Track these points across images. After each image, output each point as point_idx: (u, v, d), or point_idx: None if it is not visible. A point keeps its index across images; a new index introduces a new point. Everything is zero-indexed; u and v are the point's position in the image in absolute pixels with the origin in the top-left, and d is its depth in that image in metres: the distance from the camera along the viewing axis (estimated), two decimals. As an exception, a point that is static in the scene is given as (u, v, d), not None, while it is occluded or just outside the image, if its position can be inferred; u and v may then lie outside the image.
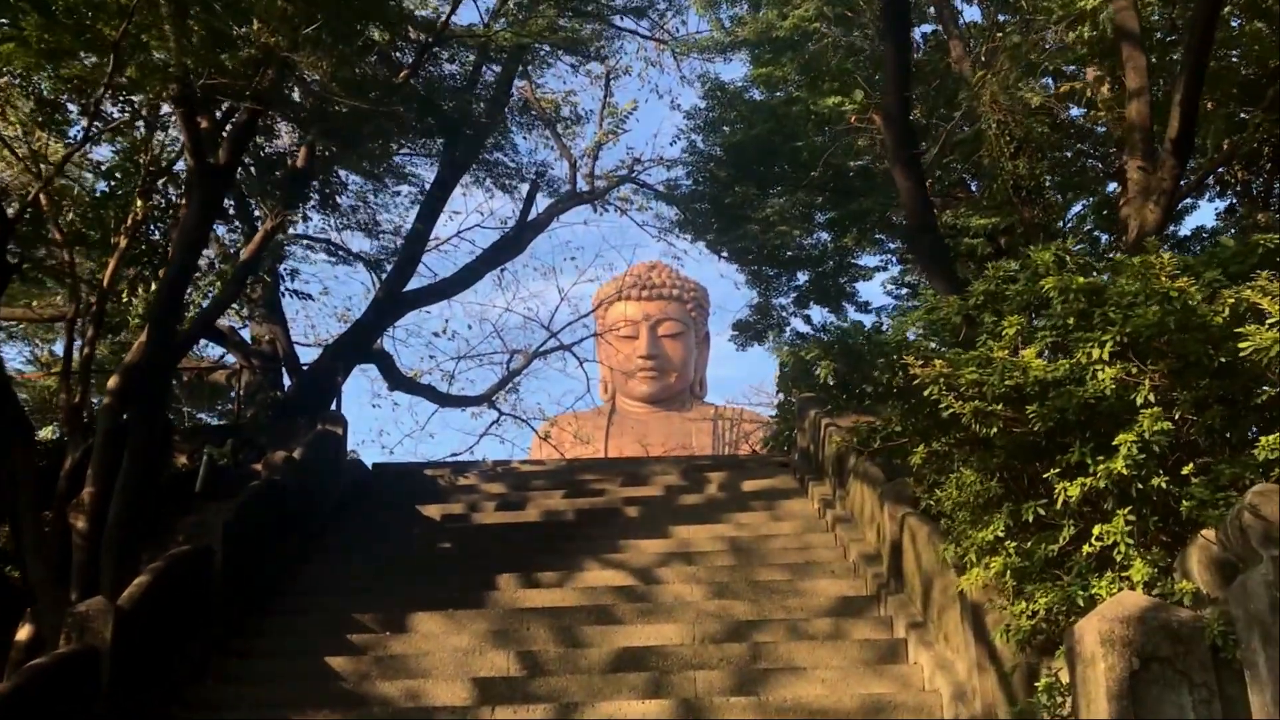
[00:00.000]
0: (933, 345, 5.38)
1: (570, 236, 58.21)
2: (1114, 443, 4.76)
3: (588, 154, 19.49)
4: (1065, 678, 4.79)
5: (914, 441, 7.49)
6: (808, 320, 17.93)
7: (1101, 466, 4.70)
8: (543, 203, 18.61)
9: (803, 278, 17.97)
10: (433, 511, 12.05)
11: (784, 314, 17.91)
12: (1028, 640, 5.29)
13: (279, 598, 9.25)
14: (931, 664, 7.04)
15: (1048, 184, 9.87)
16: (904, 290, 17.05)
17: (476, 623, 8.45)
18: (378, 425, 34.46)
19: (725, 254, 18.45)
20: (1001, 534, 5.56)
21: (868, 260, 18.61)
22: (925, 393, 5.48)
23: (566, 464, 14.98)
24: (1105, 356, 4.94)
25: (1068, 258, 5.45)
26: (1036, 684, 5.39)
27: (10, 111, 10.76)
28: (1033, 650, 5.35)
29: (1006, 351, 5.03)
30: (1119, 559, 4.80)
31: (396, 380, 18.49)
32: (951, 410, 5.33)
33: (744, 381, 66.93)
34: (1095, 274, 5.86)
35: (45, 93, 10.50)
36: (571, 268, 47.13)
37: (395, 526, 11.61)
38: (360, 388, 55.35)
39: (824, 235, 18.27)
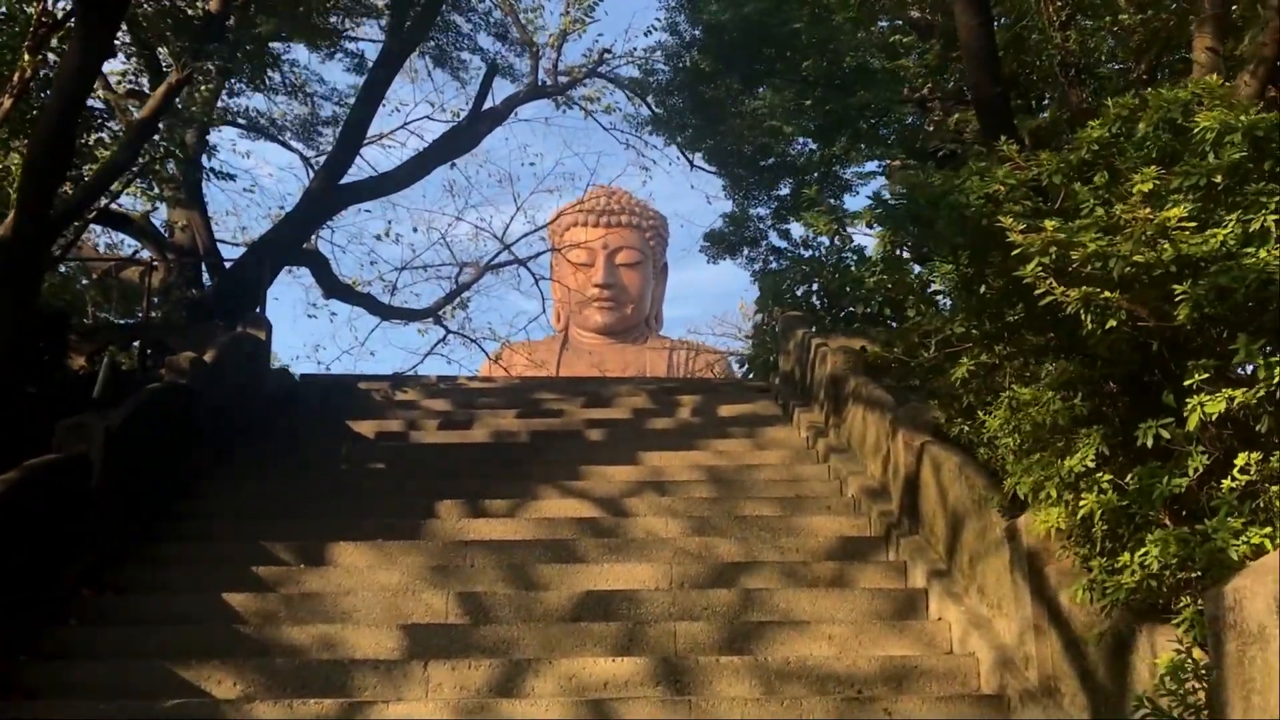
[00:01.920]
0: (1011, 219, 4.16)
1: (529, 141, 55.98)
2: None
3: (551, 44, 17.90)
4: (1199, 655, 3.63)
5: (949, 353, 6.27)
6: (786, 235, 16.65)
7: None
8: (501, 96, 17.07)
9: (785, 190, 16.64)
10: (365, 428, 10.71)
11: (762, 226, 16.59)
12: (1125, 601, 4.13)
13: (175, 522, 7.90)
14: (962, 621, 5.90)
15: (1104, 60, 8.64)
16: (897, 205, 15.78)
17: (410, 556, 7.18)
18: (314, 340, 32.78)
19: (702, 156, 17.06)
20: (1092, 464, 4.36)
21: (857, 171, 17.40)
22: (1018, 274, 4.20)
23: (520, 382, 13.69)
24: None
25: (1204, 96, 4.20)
26: (1130, 657, 4.26)
27: None
28: (1130, 614, 4.19)
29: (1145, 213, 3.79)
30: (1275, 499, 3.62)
31: (332, 286, 17.04)
32: (1050, 300, 4.07)
33: (704, 315, 65.81)
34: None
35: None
36: (529, 175, 45.03)
37: (321, 444, 10.27)
38: (294, 297, 52.91)
39: (810, 143, 16.98)
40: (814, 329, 11.68)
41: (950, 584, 6.29)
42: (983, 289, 5.00)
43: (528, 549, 7.27)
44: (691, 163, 19.55)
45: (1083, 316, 3.93)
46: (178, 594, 6.58)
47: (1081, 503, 4.32)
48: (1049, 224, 4.04)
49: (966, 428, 6.38)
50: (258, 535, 7.52)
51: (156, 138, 10.63)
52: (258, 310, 12.98)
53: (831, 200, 17.13)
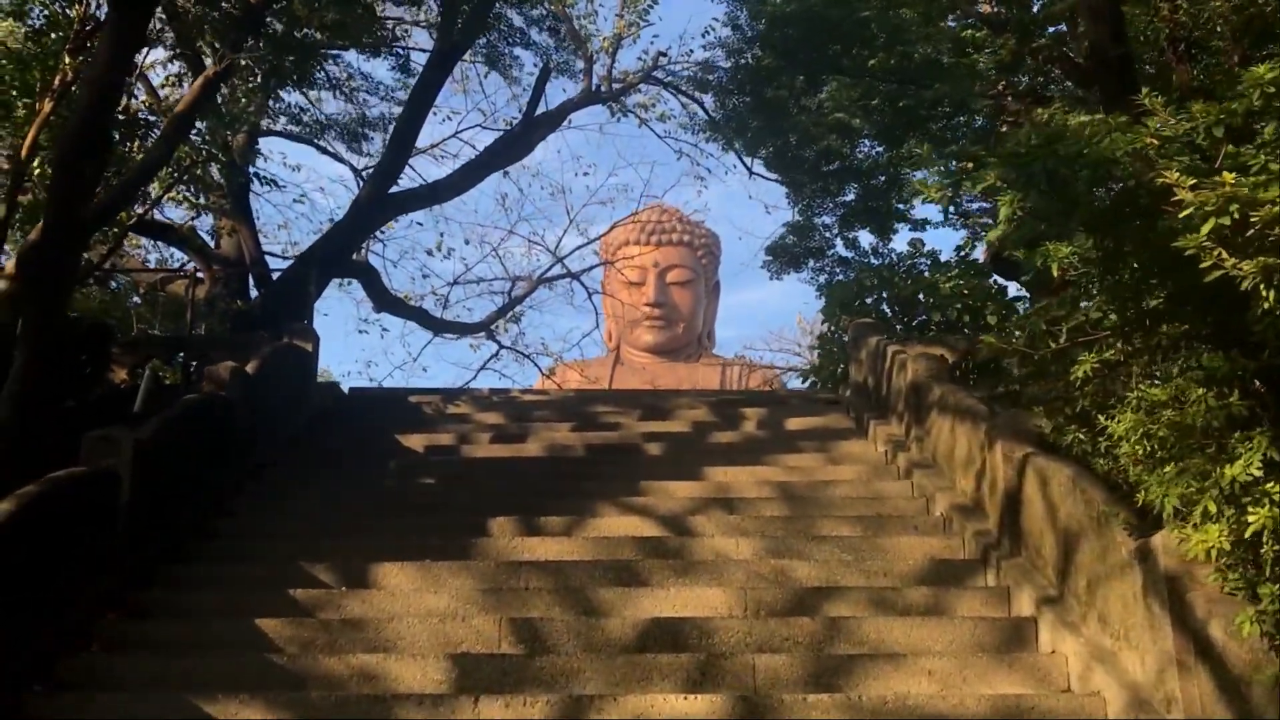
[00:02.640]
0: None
1: (582, 152, 55.65)
2: None
3: (605, 48, 17.44)
4: None
5: (1083, 342, 5.54)
6: (853, 244, 15.96)
7: None
8: (554, 104, 16.65)
9: (850, 195, 15.97)
10: (415, 442, 10.23)
11: (828, 235, 15.91)
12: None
13: (208, 541, 7.44)
14: (1081, 655, 5.20)
15: (1219, 32, 7.91)
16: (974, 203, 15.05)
17: (460, 579, 6.63)
18: (365, 355, 32.51)
19: (762, 161, 16.45)
20: (1259, 472, 3.68)
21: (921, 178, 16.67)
22: (1170, 247, 3.55)
23: (575, 394, 13.16)
24: None
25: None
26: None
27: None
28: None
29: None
30: None
31: (383, 300, 16.68)
32: (1217, 275, 3.41)
33: (759, 333, 65.00)
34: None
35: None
36: (582, 189, 44.64)
37: (368, 458, 9.79)
38: (345, 313, 52.95)
39: (875, 146, 16.30)
40: (889, 336, 11.01)
41: (1063, 612, 5.59)
42: (1123, 269, 4.33)
43: (586, 571, 6.69)
44: (750, 170, 18.95)
45: (1263, 293, 3.27)
46: (206, 619, 6.08)
47: (1249, 518, 3.64)
48: (1227, 176, 3.39)
49: (1080, 435, 5.70)
50: (296, 555, 7.03)
51: (199, 140, 10.30)
52: (305, 322, 12.59)
53: (893, 217, 16.45)
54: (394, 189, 14.65)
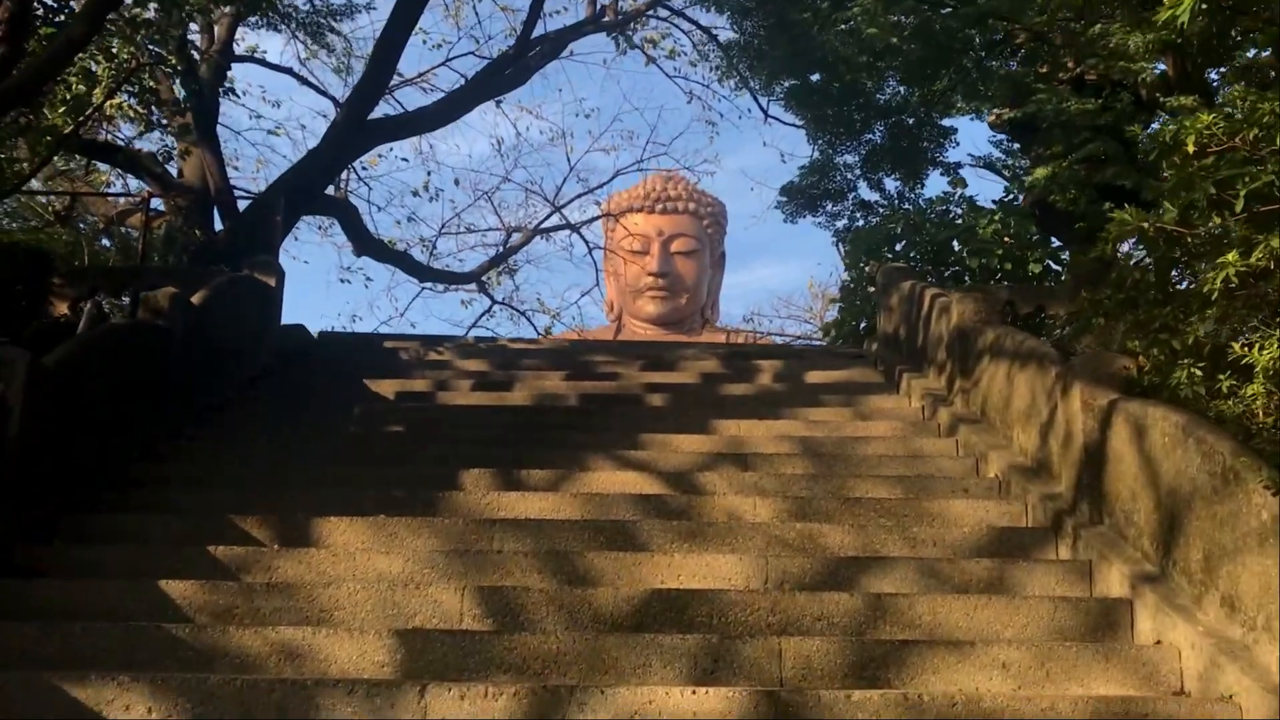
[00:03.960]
0: None
1: (585, 95, 53.93)
2: None
3: (611, -28, 16.23)
4: None
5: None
6: (878, 186, 14.78)
7: None
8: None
9: (876, 135, 14.80)
10: (385, 388, 9.16)
11: (850, 176, 14.76)
12: None
13: (127, 489, 6.37)
14: (1201, 648, 4.12)
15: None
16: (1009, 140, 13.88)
17: (420, 538, 5.58)
18: (348, 309, 31.37)
19: (780, 100, 15.26)
20: None
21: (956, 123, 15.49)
22: None
23: (569, 344, 12.09)
24: None
25: None
26: None
27: None
28: None
29: None
30: None
31: (364, 243, 15.56)
32: None
33: (764, 300, 63.80)
34: None
35: None
36: (584, 134, 43.16)
37: (331, 404, 8.73)
38: (327, 262, 51.25)
39: (901, 89, 15.12)
40: (925, 281, 9.92)
41: (1169, 593, 4.51)
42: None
43: (573, 532, 5.63)
44: (766, 112, 17.79)
45: None
46: (106, 580, 5.01)
47: None
48: None
49: (1196, 370, 4.60)
50: (229, 507, 5.97)
51: (147, 40, 9.13)
52: (272, 256, 11.48)
53: (927, 147, 15.30)
54: (378, 116, 13.50)
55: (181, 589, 4.81)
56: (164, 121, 11.54)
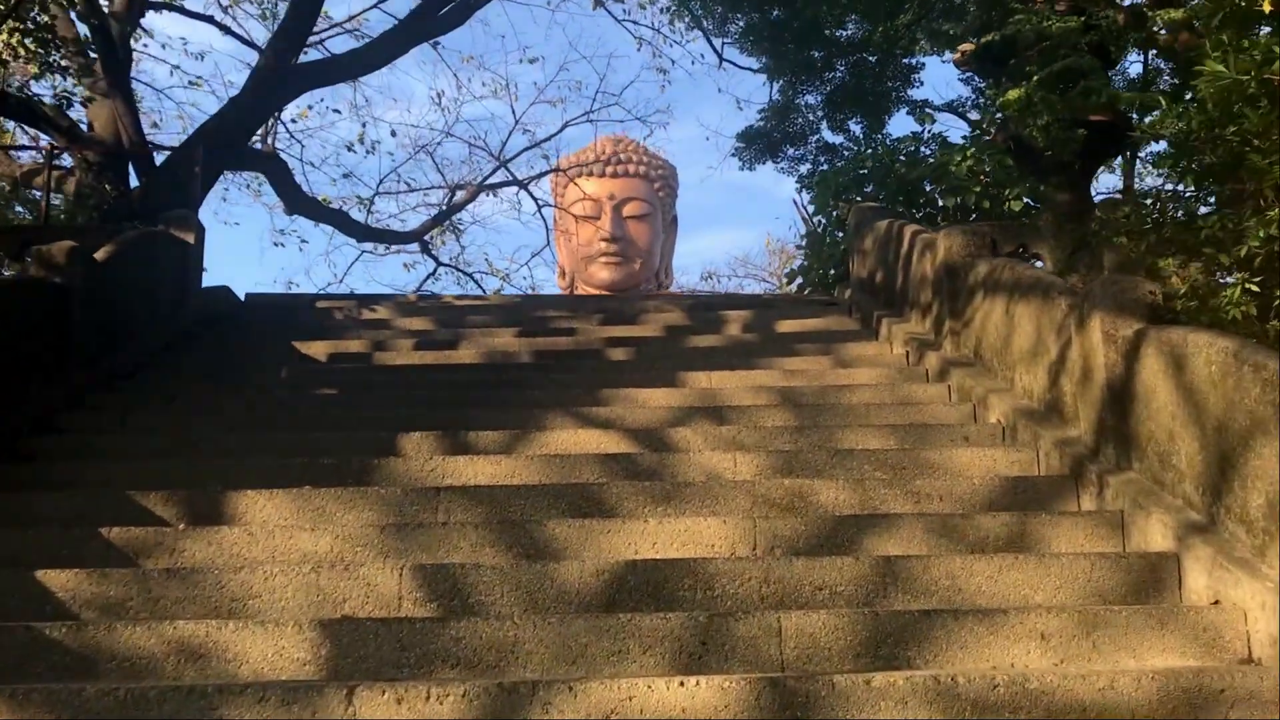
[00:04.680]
0: None
1: (530, 43, 52.42)
2: None
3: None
4: None
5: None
6: (841, 128, 14.11)
7: None
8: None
9: (839, 73, 14.11)
10: (316, 349, 8.38)
11: (813, 119, 14.08)
12: None
13: (22, 463, 5.59)
14: (1272, 605, 3.54)
15: None
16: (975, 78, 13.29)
17: (352, 511, 4.87)
18: (283, 275, 30.21)
19: (734, 39, 14.53)
20: None
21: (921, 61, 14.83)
22: None
23: (520, 299, 11.35)
24: None
25: None
26: None
27: None
28: None
29: None
30: None
31: (295, 200, 14.64)
32: None
33: (720, 259, 63.18)
34: None
35: None
36: (529, 86, 41.94)
37: (257, 368, 7.97)
38: (259, 225, 49.69)
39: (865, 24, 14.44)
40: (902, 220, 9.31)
41: (1225, 544, 3.93)
42: None
43: (531, 498, 4.94)
44: (721, 55, 17.08)
45: None
46: (-25, 569, 4.25)
47: None
48: None
49: (1252, 285, 4.00)
50: (131, 482, 5.21)
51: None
52: (191, 210, 10.60)
53: (888, 98, 14.66)
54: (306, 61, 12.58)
55: (64, 580, 4.07)
56: (64, 63, 10.57)
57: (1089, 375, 5.12)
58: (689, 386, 7.05)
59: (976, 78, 14.95)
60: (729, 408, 6.43)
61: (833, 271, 11.83)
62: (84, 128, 12.48)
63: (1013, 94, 10.01)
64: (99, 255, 7.68)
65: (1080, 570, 4.11)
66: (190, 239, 9.74)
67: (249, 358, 8.32)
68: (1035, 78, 9.92)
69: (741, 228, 57.97)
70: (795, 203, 41.27)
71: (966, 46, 15.08)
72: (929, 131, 12.03)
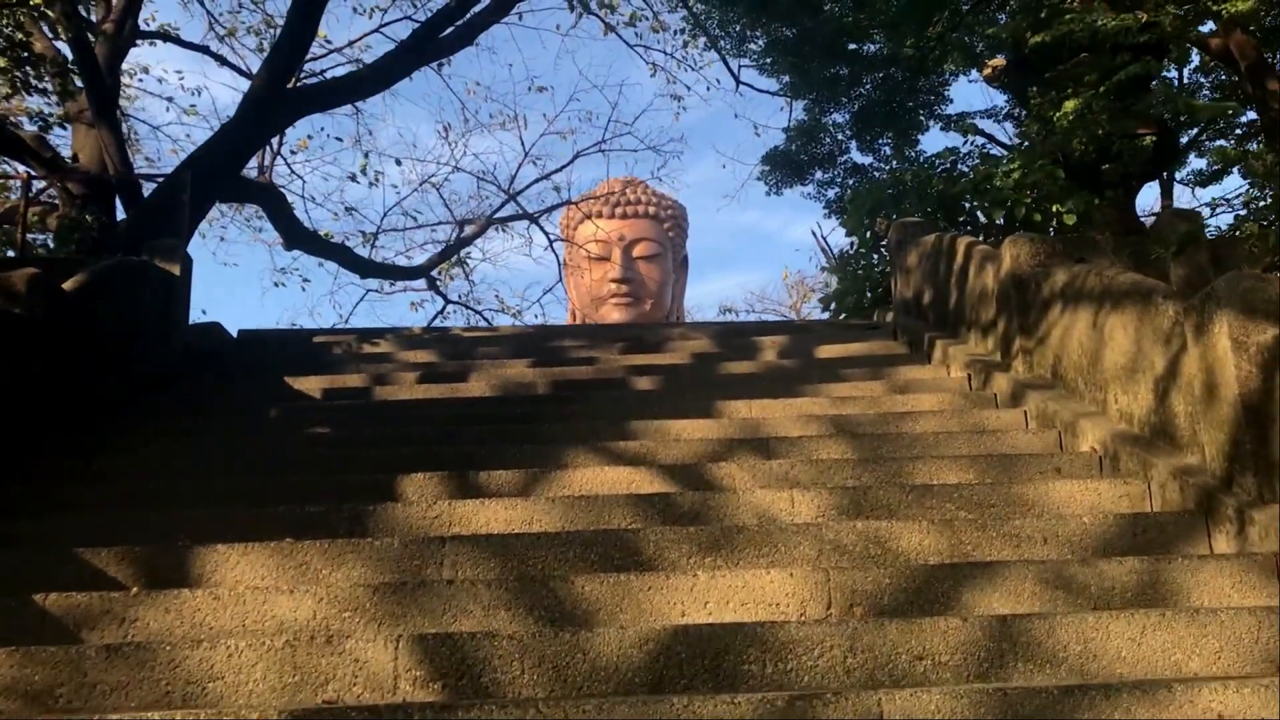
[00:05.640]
0: None
1: (538, 72, 51.79)
2: None
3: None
4: None
5: None
6: (871, 148, 13.42)
7: None
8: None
9: (866, 88, 13.46)
10: (311, 385, 7.66)
11: (841, 138, 13.40)
12: None
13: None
14: None
15: None
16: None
17: (341, 567, 4.11)
18: (286, 315, 29.55)
19: (753, 61, 13.90)
20: None
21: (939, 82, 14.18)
22: None
23: (534, 330, 10.63)
24: None
25: None
26: None
27: None
28: None
29: None
30: None
31: (294, 234, 14.01)
32: None
33: (736, 295, 62.56)
34: None
35: None
36: (538, 119, 41.51)
37: (243, 407, 7.24)
38: (258, 265, 49.15)
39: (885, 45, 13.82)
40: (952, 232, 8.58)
41: None
42: None
43: (554, 549, 4.18)
44: (738, 79, 16.44)
45: None
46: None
47: None
48: None
49: None
50: (86, 536, 4.47)
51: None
52: (177, 241, 9.92)
53: (920, 114, 14.01)
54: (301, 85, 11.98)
55: (-18, 661, 3.31)
56: (43, 85, 9.95)
57: (1213, 391, 4.34)
58: (727, 417, 6.30)
59: (1006, 91, 14.32)
60: (776, 439, 5.67)
61: (868, 295, 11.09)
62: (70, 159, 11.93)
63: (1069, 104, 9.31)
64: (67, 285, 7.00)
65: (1244, 630, 3.32)
66: (175, 270, 9.06)
67: (237, 396, 7.59)
68: (1093, 84, 9.23)
69: (751, 269, 57.48)
70: (815, 233, 40.64)
71: (996, 62, 14.42)
72: (971, 144, 11.33)
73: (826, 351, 8.40)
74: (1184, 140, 15.55)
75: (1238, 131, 16.00)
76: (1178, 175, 16.83)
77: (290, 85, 11.64)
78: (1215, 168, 15.63)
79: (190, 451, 6.03)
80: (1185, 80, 14.44)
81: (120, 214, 11.57)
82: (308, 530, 4.50)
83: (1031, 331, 6.36)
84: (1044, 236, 6.69)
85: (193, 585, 4.03)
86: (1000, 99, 13.41)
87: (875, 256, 10.96)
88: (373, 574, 4.07)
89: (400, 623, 3.67)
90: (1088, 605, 3.68)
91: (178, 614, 3.74)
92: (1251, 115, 16.32)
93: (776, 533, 4.25)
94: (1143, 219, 14.98)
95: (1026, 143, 11.20)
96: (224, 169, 11.29)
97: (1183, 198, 19.09)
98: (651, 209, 21.66)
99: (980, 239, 9.92)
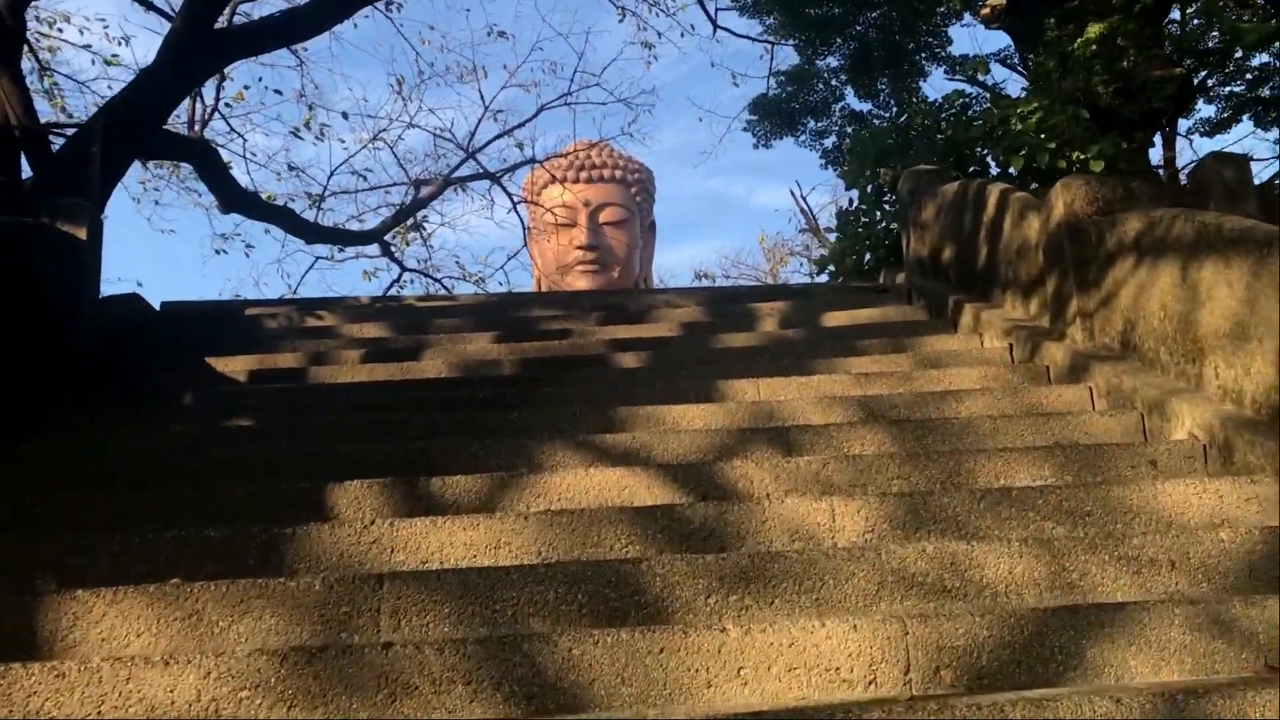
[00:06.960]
0: None
1: (500, 18, 49.93)
2: None
3: None
4: None
5: None
6: (870, 93, 12.40)
7: None
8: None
9: (863, 30, 12.42)
10: (236, 367, 6.61)
11: (836, 84, 12.38)
12: None
13: None
14: None
15: None
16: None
17: (245, 618, 3.10)
18: (231, 287, 28.16)
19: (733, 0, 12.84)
20: None
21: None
22: None
23: (498, 298, 9.60)
24: None
25: None
26: None
27: None
28: None
29: None
30: None
31: (230, 196, 12.80)
32: None
33: (711, 259, 61.54)
34: None
35: None
36: (498, 70, 39.89)
37: (153, 394, 6.18)
38: (198, 232, 47.24)
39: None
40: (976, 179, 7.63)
41: None
42: None
43: (529, 589, 3.18)
44: (715, 21, 15.38)
45: None
46: None
47: None
48: None
49: None
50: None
51: None
52: (83, 201, 8.77)
53: (920, 56, 13.02)
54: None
55: None
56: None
57: (1382, 365, 3.41)
58: (732, 399, 5.32)
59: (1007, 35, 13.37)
60: (797, 428, 4.69)
61: (867, 255, 10.14)
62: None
63: (1093, 28, 8.34)
64: (-64, 251, 5.90)
65: None
66: (82, 234, 7.91)
67: (150, 383, 6.53)
68: (1119, 7, 8.26)
69: (720, 236, 56.50)
70: (794, 193, 39.63)
71: (996, 1, 13.42)
72: (986, 81, 10.35)
73: (834, 319, 7.44)
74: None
75: (1247, 76, 15.19)
76: (1181, 126, 16.02)
77: (218, 27, 10.45)
78: (1224, 114, 14.81)
79: (71, 457, 4.97)
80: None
81: (28, 173, 10.39)
82: (205, 563, 3.49)
83: (1092, 291, 5.42)
84: (1104, 177, 5.73)
85: (34, 651, 3.01)
86: (994, 45, 12.45)
87: (879, 212, 9.98)
88: (285, 630, 3.07)
89: (318, 706, 2.68)
90: (1258, 661, 2.75)
91: (3, 702, 2.72)
92: (1264, 59, 15.49)
93: (821, 560, 3.28)
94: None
95: (1040, 83, 10.25)
96: (146, 120, 10.11)
97: (1183, 153, 18.27)
98: (618, 173, 20.78)
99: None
